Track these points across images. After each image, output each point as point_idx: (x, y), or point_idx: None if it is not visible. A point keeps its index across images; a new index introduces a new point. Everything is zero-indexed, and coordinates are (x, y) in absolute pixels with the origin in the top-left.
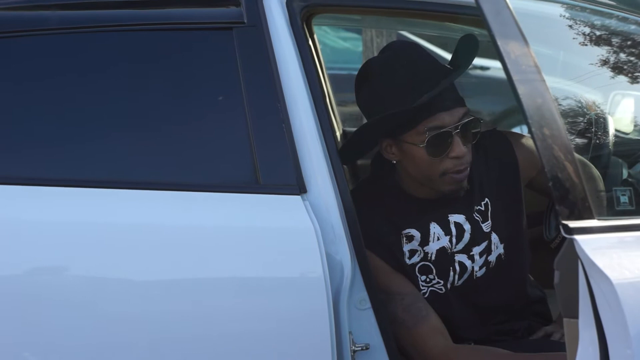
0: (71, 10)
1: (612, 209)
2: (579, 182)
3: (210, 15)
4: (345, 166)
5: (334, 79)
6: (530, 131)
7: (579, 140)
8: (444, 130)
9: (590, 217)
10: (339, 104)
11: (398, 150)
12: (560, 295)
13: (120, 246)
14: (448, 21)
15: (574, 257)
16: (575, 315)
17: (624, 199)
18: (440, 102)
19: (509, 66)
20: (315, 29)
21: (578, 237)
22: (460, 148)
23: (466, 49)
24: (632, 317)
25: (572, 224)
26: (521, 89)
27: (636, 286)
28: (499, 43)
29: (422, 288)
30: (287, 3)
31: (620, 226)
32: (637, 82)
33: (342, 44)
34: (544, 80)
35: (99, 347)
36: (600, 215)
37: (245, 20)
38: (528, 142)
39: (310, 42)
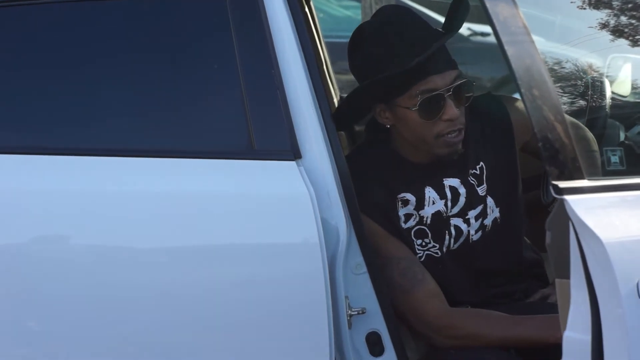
0: None
1: (603, 169)
2: (569, 143)
3: None
4: (343, 132)
5: (335, 47)
6: (519, 92)
7: (575, 103)
8: (436, 92)
9: (581, 177)
10: (339, 71)
11: (392, 115)
12: (552, 255)
13: (117, 214)
14: None
15: (565, 217)
16: (567, 275)
17: (614, 159)
18: (432, 65)
19: (497, 28)
20: None
21: (568, 197)
22: (452, 110)
23: (457, 13)
24: (622, 277)
25: (563, 184)
26: (510, 51)
27: (626, 246)
28: (488, 5)
29: (418, 252)
30: None
31: (611, 186)
32: (635, 45)
33: (342, 12)
34: (533, 42)
35: (98, 314)
36: (591, 176)
37: None
38: (522, 105)
39: (307, 9)
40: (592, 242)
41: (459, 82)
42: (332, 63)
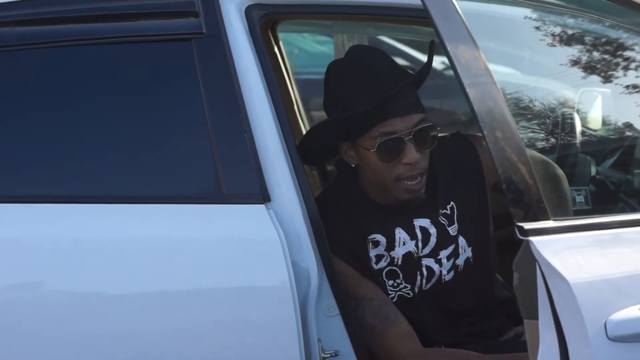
0: (30, 26)
1: (569, 209)
2: (533, 184)
3: (169, 27)
4: (315, 172)
5: (310, 84)
6: (482, 134)
7: (546, 139)
8: (395, 136)
9: (546, 218)
10: (315, 108)
11: (356, 154)
12: (520, 296)
13: (86, 261)
14: (404, 24)
15: (531, 258)
16: (535, 316)
17: (579, 198)
18: (394, 108)
19: (459, 70)
20: (292, 34)
21: (534, 239)
22: (412, 154)
23: (430, 55)
24: (590, 317)
25: (527, 225)
26: (472, 93)
27: (593, 286)
28: (449, 47)
29: (390, 293)
30: (245, 12)
31: (576, 226)
32: (605, 79)
33: (318, 48)
34: (495, 83)
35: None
36: (556, 216)
37: (204, 31)
38: None
39: (276, 49)
40: (558, 282)
41: (421, 126)
42: (307, 100)
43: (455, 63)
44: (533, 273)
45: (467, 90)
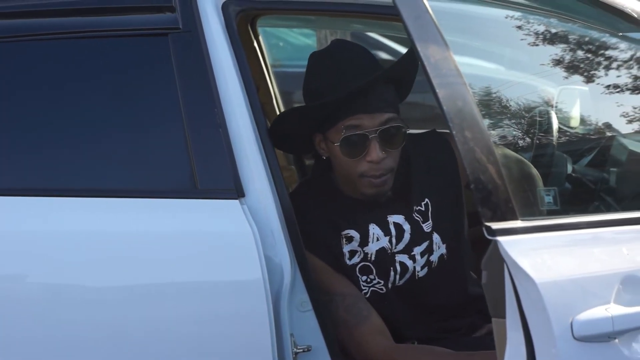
0: (7, 20)
1: (538, 209)
2: (501, 184)
3: (145, 22)
4: (293, 167)
5: (294, 77)
6: (451, 134)
7: (522, 138)
8: (359, 132)
9: (514, 218)
10: (299, 101)
11: (326, 146)
12: (488, 295)
13: (62, 254)
14: (381, 20)
15: (499, 258)
16: (502, 315)
17: (548, 198)
18: (363, 103)
19: (428, 70)
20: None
21: (501, 239)
22: (376, 153)
23: (407, 54)
24: (556, 317)
25: (495, 225)
26: (441, 92)
27: (560, 285)
28: (419, 47)
29: (363, 288)
30: (222, 8)
31: (544, 226)
32: (583, 77)
33: (303, 41)
34: (465, 84)
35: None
36: (525, 216)
37: (181, 26)
38: None
39: (255, 44)
40: (525, 282)
41: (388, 126)
42: (291, 93)
43: (425, 63)
44: (501, 272)
45: (437, 90)
